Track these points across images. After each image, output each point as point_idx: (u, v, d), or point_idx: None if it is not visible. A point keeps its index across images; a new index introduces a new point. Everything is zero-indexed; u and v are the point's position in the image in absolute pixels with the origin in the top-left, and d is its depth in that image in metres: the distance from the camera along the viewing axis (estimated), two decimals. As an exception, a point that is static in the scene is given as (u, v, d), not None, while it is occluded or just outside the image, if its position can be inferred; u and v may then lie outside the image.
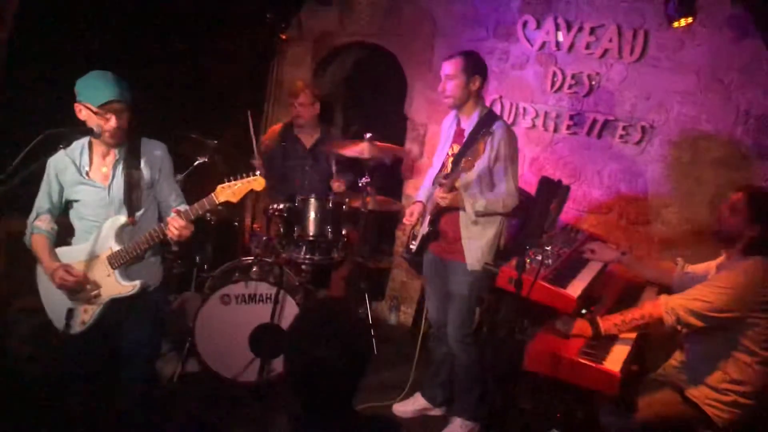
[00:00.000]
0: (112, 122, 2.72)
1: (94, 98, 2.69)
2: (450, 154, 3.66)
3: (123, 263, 2.88)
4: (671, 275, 3.42)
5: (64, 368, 3.11)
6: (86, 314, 2.90)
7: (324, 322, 1.92)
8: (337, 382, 1.88)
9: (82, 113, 2.75)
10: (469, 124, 3.59)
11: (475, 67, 3.53)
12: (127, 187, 2.88)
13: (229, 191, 2.85)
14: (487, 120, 3.54)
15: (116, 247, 2.86)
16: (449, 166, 3.62)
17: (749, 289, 2.77)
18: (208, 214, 4.33)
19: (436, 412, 3.94)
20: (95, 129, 2.73)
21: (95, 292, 2.88)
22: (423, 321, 4.25)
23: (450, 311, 3.68)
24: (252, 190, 2.89)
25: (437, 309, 3.83)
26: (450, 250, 3.62)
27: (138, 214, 2.93)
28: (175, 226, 2.79)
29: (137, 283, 2.90)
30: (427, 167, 5.01)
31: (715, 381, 2.89)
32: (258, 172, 2.88)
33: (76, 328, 2.90)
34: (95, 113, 2.71)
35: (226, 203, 2.87)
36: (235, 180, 2.86)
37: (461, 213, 3.50)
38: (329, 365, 1.84)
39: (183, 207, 2.98)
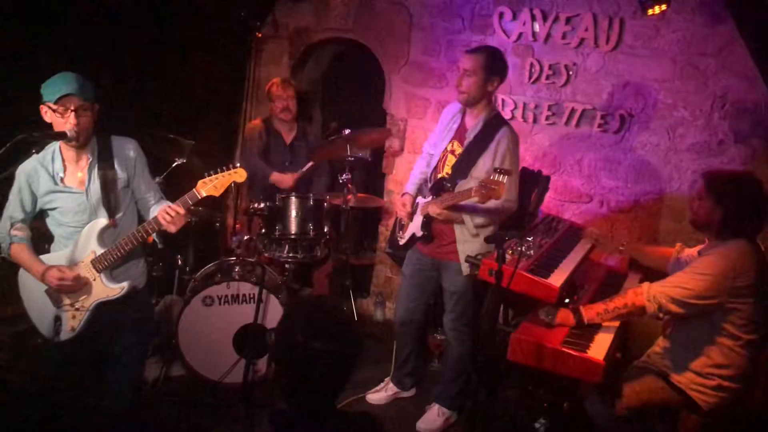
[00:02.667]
0: (71, 119, 2.68)
1: (51, 95, 2.68)
2: (449, 150, 3.59)
3: (107, 266, 2.85)
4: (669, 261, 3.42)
5: (50, 374, 3.08)
6: (74, 320, 2.87)
7: (311, 319, 1.92)
8: (323, 379, 1.88)
9: (47, 114, 2.73)
10: (473, 124, 3.52)
11: (497, 67, 3.41)
12: (104, 189, 2.86)
13: (210, 185, 2.86)
14: (493, 125, 3.47)
15: (99, 250, 2.84)
16: (447, 167, 3.57)
17: (727, 274, 2.77)
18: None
19: (407, 394, 4.06)
20: (68, 133, 2.69)
21: (83, 297, 2.85)
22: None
23: (446, 304, 3.71)
24: (234, 183, 2.91)
25: (408, 306, 3.86)
26: (444, 251, 3.61)
27: (118, 216, 2.91)
28: (171, 213, 2.77)
29: (125, 285, 2.89)
30: (409, 162, 5.02)
31: (699, 366, 2.90)
32: (238, 164, 2.88)
33: (66, 334, 2.88)
34: (54, 110, 2.68)
35: (209, 197, 2.87)
36: (215, 174, 2.86)
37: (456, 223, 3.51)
38: (317, 360, 1.84)
39: (164, 203, 2.96)
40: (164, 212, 2.79)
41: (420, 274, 3.78)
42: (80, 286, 2.84)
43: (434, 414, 3.78)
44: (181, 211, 2.80)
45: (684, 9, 4.00)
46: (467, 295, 3.62)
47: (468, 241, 3.50)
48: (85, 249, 2.84)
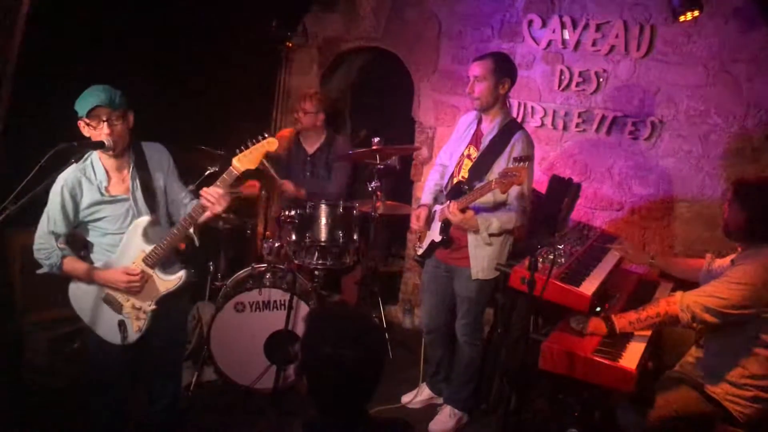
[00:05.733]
0: (105, 129, 2.72)
1: (83, 109, 2.72)
2: (465, 155, 3.63)
3: (158, 260, 2.87)
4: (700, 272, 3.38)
5: (86, 379, 3.12)
6: (139, 321, 2.90)
7: (340, 326, 1.93)
8: (355, 386, 1.89)
9: (84, 129, 2.77)
10: (489, 129, 3.55)
11: (506, 69, 3.48)
12: (147, 194, 2.91)
13: (246, 159, 2.84)
14: (508, 129, 3.50)
15: (148, 248, 2.86)
16: (463, 171, 3.60)
17: (763, 284, 2.73)
18: (220, 223, 4.37)
19: (442, 401, 4.01)
20: (106, 142, 2.73)
21: (144, 296, 2.89)
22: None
23: (458, 310, 3.72)
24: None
25: (431, 314, 3.88)
26: (456, 256, 3.63)
27: (158, 213, 2.96)
28: (213, 194, 2.78)
29: (182, 273, 2.92)
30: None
31: (735, 377, 2.86)
32: (266, 134, 2.87)
33: (133, 336, 2.90)
34: (87, 124, 2.73)
35: (247, 170, 2.86)
36: (246, 147, 2.84)
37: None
38: (347, 368, 1.85)
39: (195, 202, 2.98)
40: (206, 195, 2.79)
41: (437, 280, 3.80)
42: (144, 283, 2.86)
43: (446, 415, 3.80)
44: (221, 191, 2.81)
45: (717, 15, 3.95)
46: (478, 301, 3.64)
47: (480, 246, 3.52)
48: (133, 250, 2.87)
